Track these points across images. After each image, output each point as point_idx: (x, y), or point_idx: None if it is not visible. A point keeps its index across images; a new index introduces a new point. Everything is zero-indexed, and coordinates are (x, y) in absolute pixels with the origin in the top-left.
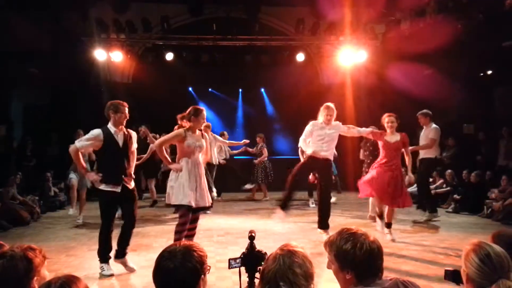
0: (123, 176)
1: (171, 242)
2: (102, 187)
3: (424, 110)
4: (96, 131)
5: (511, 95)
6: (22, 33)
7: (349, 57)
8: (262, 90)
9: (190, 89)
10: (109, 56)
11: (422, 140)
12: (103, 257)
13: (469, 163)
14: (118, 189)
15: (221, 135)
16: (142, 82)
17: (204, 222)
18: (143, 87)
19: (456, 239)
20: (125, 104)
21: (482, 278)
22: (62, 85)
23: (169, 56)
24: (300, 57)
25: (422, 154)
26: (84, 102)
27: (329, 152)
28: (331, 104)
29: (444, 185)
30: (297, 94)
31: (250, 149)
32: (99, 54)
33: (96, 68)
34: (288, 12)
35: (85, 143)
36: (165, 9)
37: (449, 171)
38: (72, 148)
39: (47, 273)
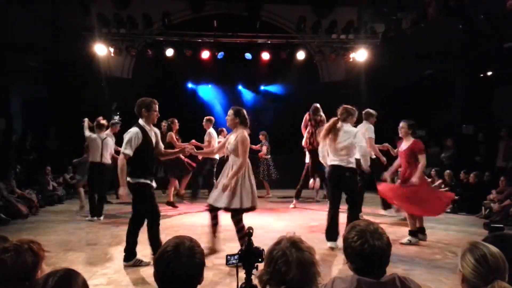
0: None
1: (169, 237)
2: (142, 180)
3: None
4: (135, 130)
5: (511, 96)
6: (23, 26)
7: (350, 56)
8: (262, 87)
9: (190, 85)
10: (109, 51)
11: None
12: (134, 252)
13: (468, 163)
14: (154, 184)
15: (220, 132)
16: (142, 78)
17: (202, 218)
18: (143, 82)
19: (454, 239)
20: (156, 101)
21: (477, 278)
22: (61, 79)
23: (170, 52)
24: (300, 55)
25: None
26: (83, 96)
27: (343, 160)
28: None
29: (443, 185)
30: (297, 93)
31: (254, 146)
32: (100, 49)
33: (96, 62)
34: (289, 10)
35: (131, 147)
36: (166, 5)
37: (448, 171)
38: (122, 158)
39: (44, 267)
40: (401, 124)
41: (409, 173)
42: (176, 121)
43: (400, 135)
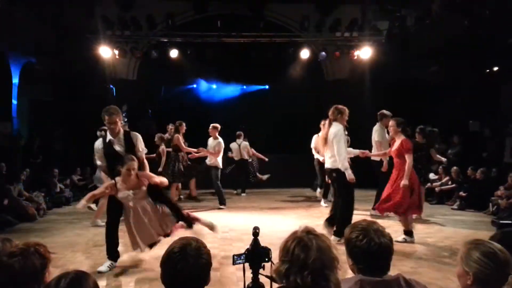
0: None
1: (175, 238)
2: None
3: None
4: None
5: None
6: (28, 29)
7: (354, 54)
8: (266, 86)
9: (194, 85)
10: (114, 53)
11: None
12: (108, 254)
13: (474, 160)
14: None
15: (238, 136)
16: (147, 79)
17: (209, 218)
18: (148, 83)
19: (461, 237)
20: (107, 110)
21: (489, 275)
22: (66, 82)
23: (174, 53)
24: (304, 53)
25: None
26: (88, 98)
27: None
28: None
29: (450, 182)
30: (302, 91)
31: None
32: (104, 51)
33: (101, 65)
34: (293, 9)
35: None
36: (169, 6)
37: (455, 168)
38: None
39: (52, 269)
40: (390, 122)
41: (397, 173)
42: (183, 124)
43: (390, 134)
